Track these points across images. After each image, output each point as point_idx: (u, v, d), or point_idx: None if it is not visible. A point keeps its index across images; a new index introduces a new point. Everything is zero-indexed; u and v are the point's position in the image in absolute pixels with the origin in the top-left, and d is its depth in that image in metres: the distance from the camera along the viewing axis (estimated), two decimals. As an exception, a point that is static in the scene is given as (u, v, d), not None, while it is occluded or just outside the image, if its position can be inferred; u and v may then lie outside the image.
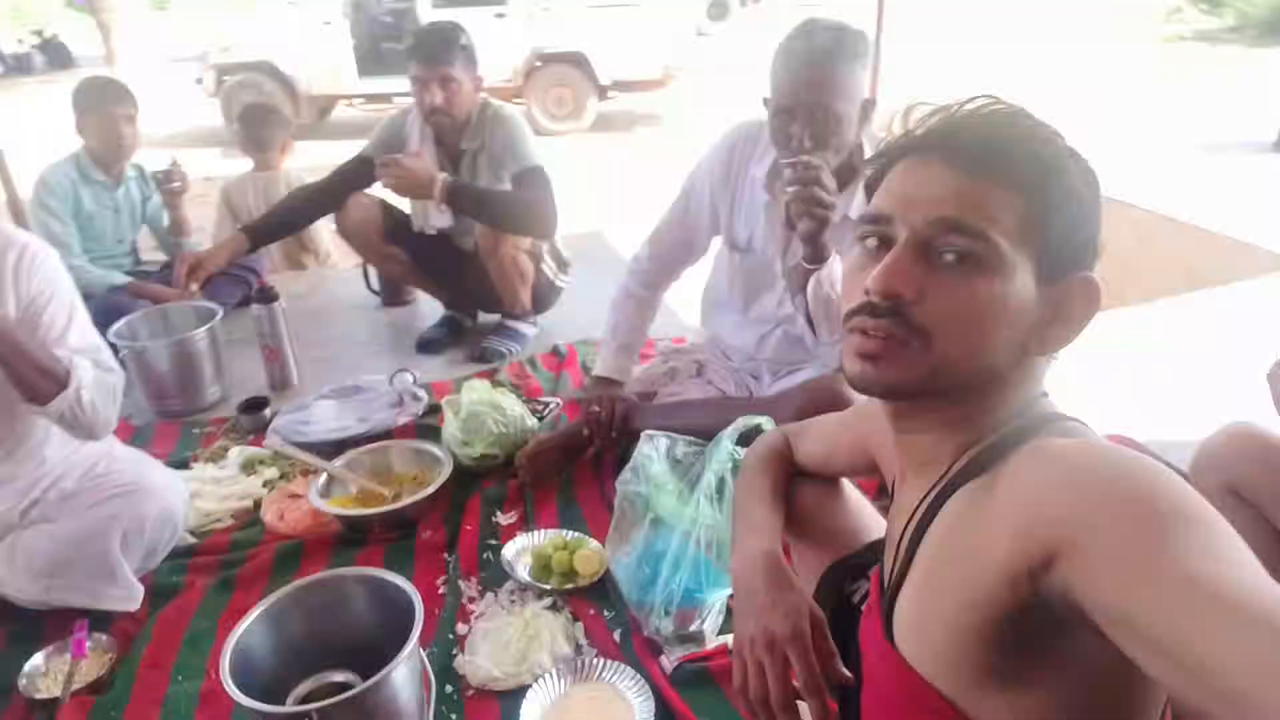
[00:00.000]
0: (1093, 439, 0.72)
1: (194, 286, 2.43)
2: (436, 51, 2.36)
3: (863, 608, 1.01)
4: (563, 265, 2.78)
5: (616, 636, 1.60)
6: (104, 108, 2.67)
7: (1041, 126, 0.75)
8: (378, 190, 2.61)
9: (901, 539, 0.83)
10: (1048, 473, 0.67)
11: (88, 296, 2.59)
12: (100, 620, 1.63)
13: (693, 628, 1.56)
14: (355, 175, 2.55)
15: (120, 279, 2.75)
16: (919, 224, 0.73)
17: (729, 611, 1.59)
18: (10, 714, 1.45)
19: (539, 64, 8.26)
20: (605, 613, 1.66)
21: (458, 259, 2.67)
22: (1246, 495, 1.34)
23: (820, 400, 1.71)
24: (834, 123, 1.63)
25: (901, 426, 0.84)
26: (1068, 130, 0.78)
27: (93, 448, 1.82)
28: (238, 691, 1.19)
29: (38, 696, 1.46)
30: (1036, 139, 0.73)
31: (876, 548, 1.09)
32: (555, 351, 2.71)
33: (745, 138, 1.92)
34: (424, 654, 1.49)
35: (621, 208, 5.13)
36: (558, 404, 2.35)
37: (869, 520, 1.16)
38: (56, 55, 16.35)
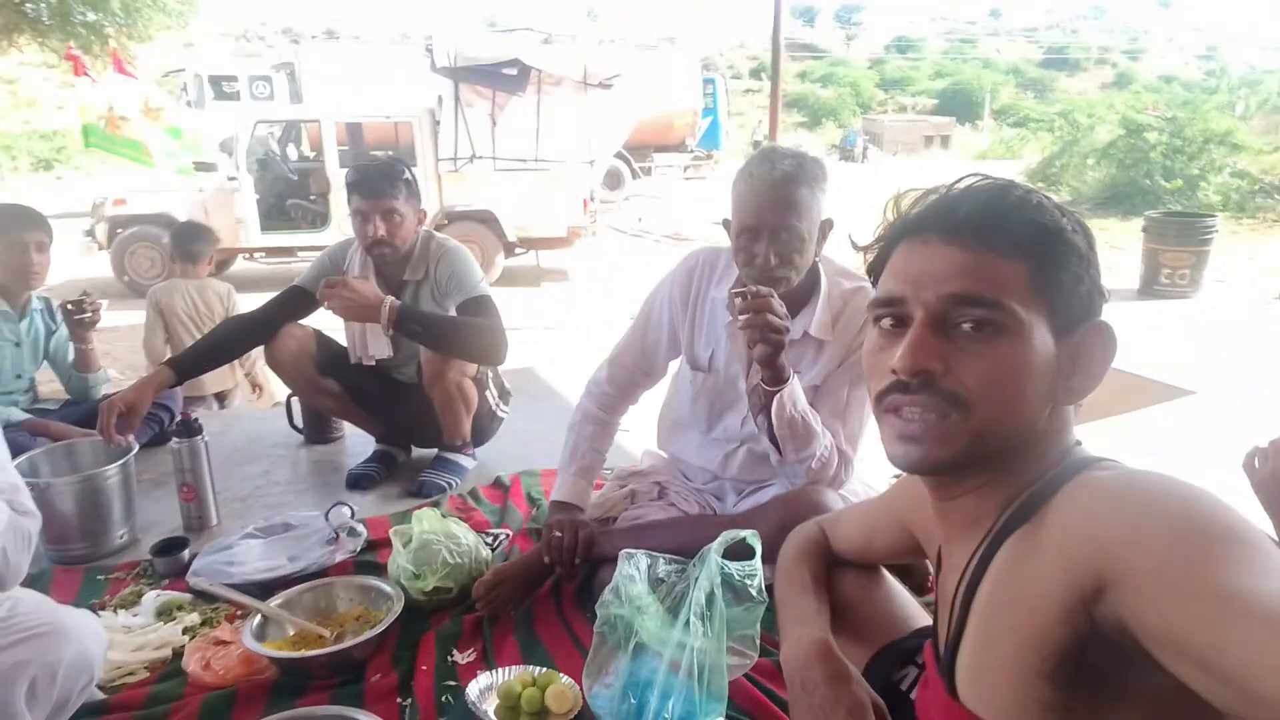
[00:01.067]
0: (1134, 470, 0.74)
1: (129, 438, 2.23)
2: (379, 185, 2.37)
3: (915, 690, 0.97)
4: (504, 395, 2.73)
5: (600, 777, 1.46)
6: (14, 233, 2.52)
7: (1031, 193, 0.80)
8: (312, 320, 2.54)
9: (955, 597, 0.82)
10: (1092, 503, 0.69)
11: (-22, 434, 2.36)
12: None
13: (689, 761, 1.44)
14: (290, 306, 2.47)
15: (19, 415, 2.51)
16: (932, 301, 0.77)
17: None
18: None
19: (446, 221, 8.47)
20: (585, 752, 1.52)
21: (395, 391, 2.58)
22: None
23: (802, 512, 1.69)
24: (797, 242, 1.71)
25: (944, 494, 0.85)
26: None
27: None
28: None
29: None
30: (1029, 205, 0.78)
31: (923, 634, 1.06)
32: (498, 483, 2.60)
33: (704, 262, 1.99)
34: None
35: (544, 351, 5.18)
36: (507, 535, 2.24)
37: (911, 607, 1.14)
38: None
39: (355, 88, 11.90)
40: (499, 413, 2.71)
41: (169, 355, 3.21)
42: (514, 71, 8.32)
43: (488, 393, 2.61)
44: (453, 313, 2.42)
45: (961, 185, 0.82)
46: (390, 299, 2.24)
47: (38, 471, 2.17)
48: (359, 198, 2.35)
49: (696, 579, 1.58)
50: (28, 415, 2.55)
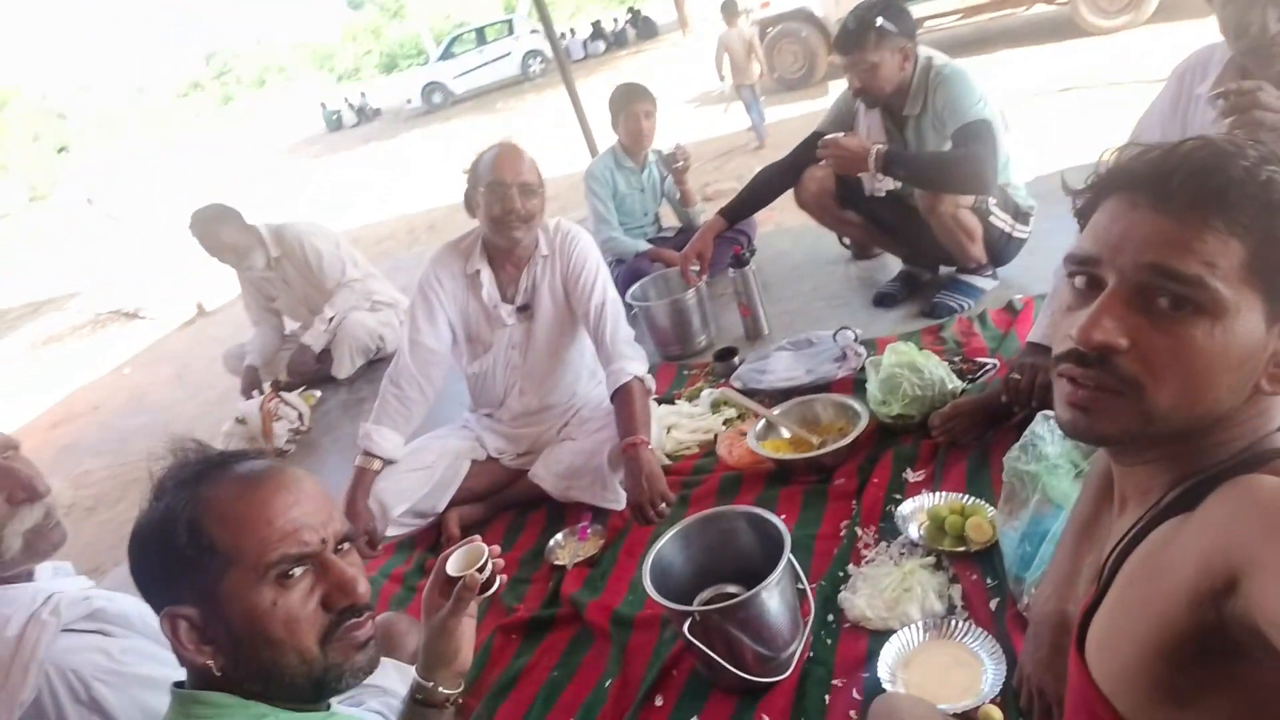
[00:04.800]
0: None
1: (702, 279, 2.94)
2: (850, 42, 2.49)
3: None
4: (1020, 216, 2.66)
5: (993, 606, 1.65)
6: (629, 107, 3.35)
7: (1265, 163, 0.69)
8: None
9: (1107, 562, 0.84)
10: (1240, 502, 0.67)
11: (621, 261, 3.34)
12: (600, 514, 2.24)
13: (1063, 613, 1.55)
14: (810, 150, 2.79)
15: (644, 246, 3.46)
16: (1128, 269, 0.73)
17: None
18: (539, 573, 2.13)
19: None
20: (988, 580, 1.71)
21: (909, 217, 2.75)
22: None
23: None
24: None
25: (1119, 460, 0.84)
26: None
27: (604, 389, 2.45)
28: (653, 590, 1.61)
29: (555, 563, 2.12)
30: (1255, 180, 0.69)
31: None
32: (1009, 307, 2.63)
33: (1195, 63, 1.76)
34: (809, 586, 1.76)
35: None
36: (994, 366, 2.33)
37: None
38: (645, 28, 19.57)
39: None
40: (1015, 234, 2.67)
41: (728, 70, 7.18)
42: None
43: (993, 218, 2.60)
44: (948, 144, 2.46)
45: (1185, 147, 0.74)
46: (877, 148, 2.41)
47: (647, 295, 3.05)
48: (838, 55, 2.53)
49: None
50: (650, 245, 3.47)
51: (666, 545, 1.73)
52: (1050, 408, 1.93)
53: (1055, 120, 5.22)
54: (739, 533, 1.75)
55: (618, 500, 2.21)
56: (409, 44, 36.01)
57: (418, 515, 2.34)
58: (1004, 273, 2.80)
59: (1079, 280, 0.79)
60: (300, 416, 3.33)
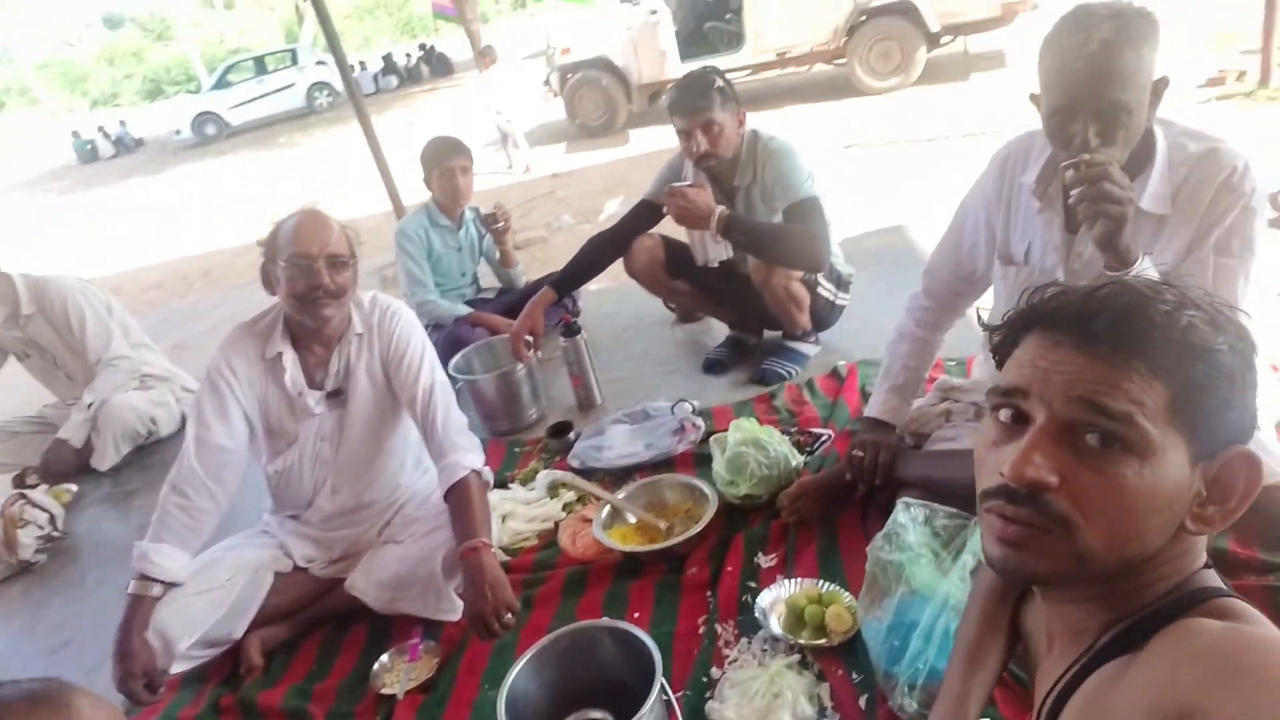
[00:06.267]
0: (1245, 627, 0.67)
1: (535, 354, 2.77)
2: (693, 102, 2.45)
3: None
4: (842, 284, 2.73)
5: (862, 703, 1.60)
6: (443, 163, 3.15)
7: (1181, 308, 0.71)
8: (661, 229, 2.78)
9: (1044, 704, 0.82)
10: (1184, 648, 0.67)
11: (440, 327, 3.11)
12: (432, 626, 2.00)
13: (938, 711, 1.51)
14: (639, 219, 2.73)
15: (463, 310, 3.24)
16: (1058, 404, 0.72)
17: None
18: (363, 704, 1.85)
19: (863, 19, 8.00)
20: (854, 675, 1.67)
21: (739, 284, 2.75)
22: None
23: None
24: (1123, 115, 1.45)
25: (1048, 597, 0.83)
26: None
27: (430, 479, 2.21)
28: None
29: (383, 692, 1.85)
30: (1175, 326, 0.70)
31: None
32: (835, 374, 2.68)
33: (1016, 151, 1.80)
34: (675, 697, 1.63)
35: (941, 189, 4.82)
36: (829, 437, 2.35)
37: None
38: (439, 65, 19.30)
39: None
40: (838, 302, 2.74)
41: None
42: None
43: (820, 289, 2.65)
44: (779, 216, 2.47)
45: (1104, 291, 0.74)
46: (721, 209, 2.38)
47: (471, 367, 2.84)
48: (678, 117, 2.47)
49: (968, 541, 1.59)
50: (470, 310, 3.26)
51: (520, 675, 1.54)
52: (895, 486, 1.98)
53: (847, 177, 5.54)
54: (600, 647, 1.59)
55: (453, 610, 1.98)
56: (176, 68, 33.19)
57: (210, 645, 1.98)
58: (825, 337, 2.86)
59: (1004, 414, 0.77)
60: (52, 519, 2.79)
